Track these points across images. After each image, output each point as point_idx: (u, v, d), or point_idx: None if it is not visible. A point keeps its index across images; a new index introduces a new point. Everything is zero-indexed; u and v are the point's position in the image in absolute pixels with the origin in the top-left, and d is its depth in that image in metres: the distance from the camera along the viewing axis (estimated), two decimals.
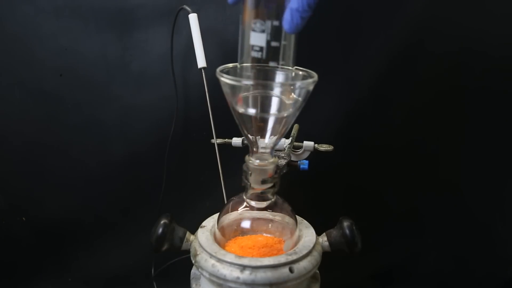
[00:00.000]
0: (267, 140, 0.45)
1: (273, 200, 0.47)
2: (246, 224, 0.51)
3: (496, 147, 0.87)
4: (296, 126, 0.71)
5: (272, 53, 0.41)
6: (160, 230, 0.47)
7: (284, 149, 0.63)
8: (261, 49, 0.41)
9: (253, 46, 0.41)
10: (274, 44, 0.41)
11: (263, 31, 0.40)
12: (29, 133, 0.88)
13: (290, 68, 0.43)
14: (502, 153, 0.87)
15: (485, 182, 0.89)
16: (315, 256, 0.46)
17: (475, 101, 0.84)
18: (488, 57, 0.81)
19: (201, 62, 0.76)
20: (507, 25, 0.80)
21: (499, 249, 0.92)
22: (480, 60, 0.82)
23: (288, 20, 0.38)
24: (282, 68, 0.43)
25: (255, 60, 0.42)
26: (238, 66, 0.44)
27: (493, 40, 0.81)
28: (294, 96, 0.42)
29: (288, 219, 0.50)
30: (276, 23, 0.40)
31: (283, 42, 0.41)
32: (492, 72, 0.82)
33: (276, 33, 0.41)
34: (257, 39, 0.41)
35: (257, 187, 0.46)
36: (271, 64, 0.42)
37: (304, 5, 0.38)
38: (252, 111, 0.42)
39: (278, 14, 0.40)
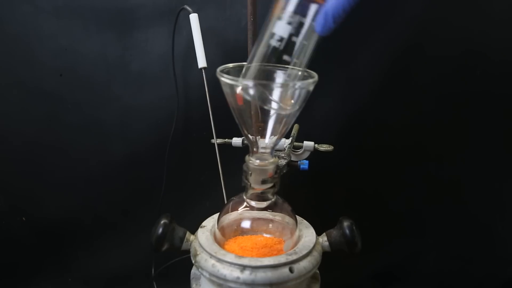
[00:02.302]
0: (267, 140, 0.45)
1: (273, 200, 0.47)
2: (246, 224, 0.51)
3: (497, 148, 0.87)
4: (296, 126, 0.71)
5: (289, 47, 0.41)
6: (160, 230, 0.47)
7: (284, 149, 0.63)
8: (281, 39, 0.41)
9: (274, 34, 0.41)
10: (294, 39, 0.41)
11: (289, 23, 0.40)
12: (29, 133, 0.88)
13: (299, 69, 0.43)
14: (502, 154, 0.87)
15: (485, 183, 0.89)
16: (315, 256, 0.46)
17: (475, 103, 0.84)
18: (488, 59, 0.82)
19: (201, 62, 0.76)
20: (507, 29, 0.81)
21: (499, 249, 0.92)
22: (480, 61, 0.82)
23: (321, 23, 0.39)
24: (291, 68, 0.42)
25: (271, 49, 0.41)
26: (247, 65, 0.43)
27: (494, 43, 0.81)
28: (292, 102, 0.41)
29: (288, 219, 0.50)
30: (303, 20, 0.40)
31: (303, 41, 0.41)
32: (492, 74, 0.83)
33: (300, 30, 0.41)
34: (281, 29, 0.41)
35: (257, 187, 0.46)
36: (285, 57, 0.41)
37: (339, 11, 0.38)
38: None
39: (308, 13, 0.40)
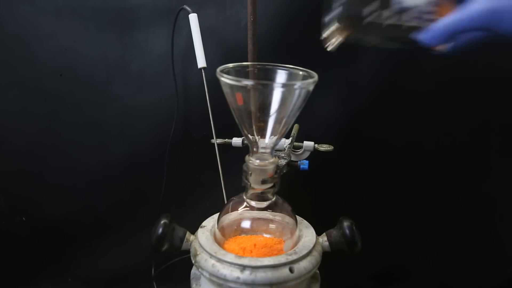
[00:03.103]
0: (267, 140, 0.45)
1: (273, 200, 0.47)
2: (246, 224, 0.51)
3: (497, 148, 0.87)
4: (296, 126, 0.70)
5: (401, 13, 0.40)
6: (160, 230, 0.47)
7: (284, 149, 0.63)
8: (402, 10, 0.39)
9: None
10: (404, 17, 0.40)
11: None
12: (29, 133, 0.88)
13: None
14: (502, 154, 0.87)
15: (485, 183, 0.89)
16: (315, 256, 0.46)
17: (474, 104, 0.84)
18: (489, 62, 0.82)
19: (201, 62, 0.76)
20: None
21: (499, 250, 0.92)
22: (480, 60, 0.82)
23: (428, 36, 0.39)
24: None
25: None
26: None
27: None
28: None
29: (288, 219, 0.50)
30: (427, 16, 0.39)
31: (408, 24, 0.40)
32: (489, 77, 0.83)
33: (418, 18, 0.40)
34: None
35: (257, 187, 0.46)
36: (384, 16, 0.40)
37: (446, 35, 0.38)
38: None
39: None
